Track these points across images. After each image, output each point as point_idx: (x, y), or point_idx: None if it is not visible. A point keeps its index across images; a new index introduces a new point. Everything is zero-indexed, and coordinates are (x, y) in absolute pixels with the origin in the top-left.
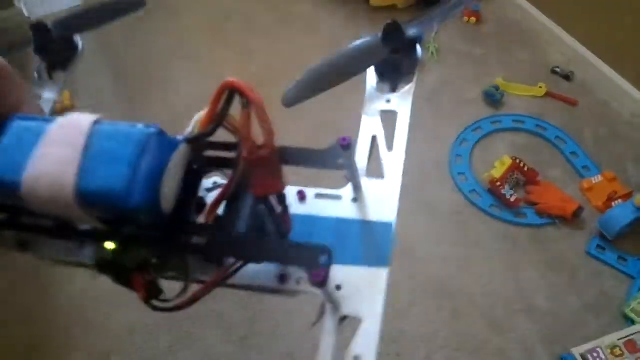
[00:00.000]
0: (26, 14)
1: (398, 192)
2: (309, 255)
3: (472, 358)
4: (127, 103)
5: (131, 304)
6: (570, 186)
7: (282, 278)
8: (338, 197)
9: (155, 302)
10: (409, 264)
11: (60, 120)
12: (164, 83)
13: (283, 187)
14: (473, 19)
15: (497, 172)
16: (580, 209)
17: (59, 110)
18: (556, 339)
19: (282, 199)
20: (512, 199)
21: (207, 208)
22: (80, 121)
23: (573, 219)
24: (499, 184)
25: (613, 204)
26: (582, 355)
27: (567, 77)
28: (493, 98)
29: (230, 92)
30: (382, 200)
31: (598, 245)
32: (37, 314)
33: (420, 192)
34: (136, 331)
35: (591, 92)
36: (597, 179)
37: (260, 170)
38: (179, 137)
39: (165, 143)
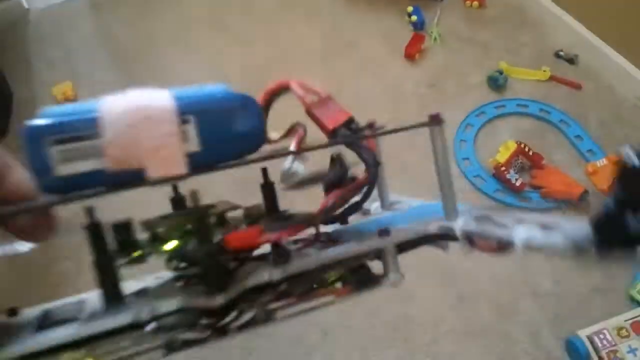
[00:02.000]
0: (26, 5)
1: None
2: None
3: (479, 342)
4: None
5: None
6: (575, 170)
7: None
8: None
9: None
10: (414, 250)
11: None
12: (165, 71)
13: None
14: (476, 3)
15: (502, 156)
16: (585, 193)
17: (62, 100)
18: (562, 322)
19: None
20: (517, 184)
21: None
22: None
23: (578, 203)
24: (503, 168)
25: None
26: (588, 337)
27: (571, 61)
28: (497, 82)
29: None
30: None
31: None
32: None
33: (424, 178)
34: None
35: (595, 76)
36: (602, 162)
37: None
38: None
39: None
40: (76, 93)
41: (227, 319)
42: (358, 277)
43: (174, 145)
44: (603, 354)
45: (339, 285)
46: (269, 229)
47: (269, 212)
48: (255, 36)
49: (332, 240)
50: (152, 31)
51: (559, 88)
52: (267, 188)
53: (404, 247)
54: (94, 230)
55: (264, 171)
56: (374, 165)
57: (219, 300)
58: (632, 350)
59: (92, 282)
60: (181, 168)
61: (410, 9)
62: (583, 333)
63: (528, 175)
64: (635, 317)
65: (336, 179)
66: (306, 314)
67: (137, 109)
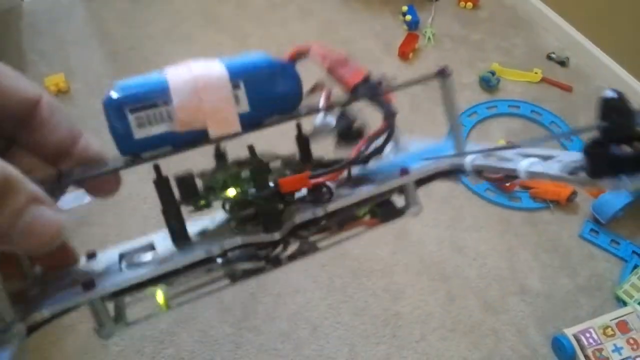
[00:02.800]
0: None
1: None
2: None
3: (466, 339)
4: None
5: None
6: None
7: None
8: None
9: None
10: (404, 247)
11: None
12: (157, 64)
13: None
14: (469, 4)
15: None
16: (574, 194)
17: (54, 92)
18: (549, 320)
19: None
20: (507, 184)
21: None
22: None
23: (567, 203)
24: None
25: None
26: (574, 336)
27: (563, 63)
28: (489, 83)
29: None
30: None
31: (591, 229)
32: None
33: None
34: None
35: (586, 78)
36: None
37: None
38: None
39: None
40: (69, 85)
41: (279, 250)
42: (384, 210)
43: (230, 108)
44: (589, 352)
45: (367, 217)
46: (314, 174)
47: (304, 160)
48: (249, 32)
49: (360, 180)
50: (145, 23)
51: (550, 90)
52: (302, 140)
53: (421, 182)
54: (162, 183)
55: (299, 126)
56: (392, 115)
57: (276, 236)
58: (618, 349)
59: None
60: (237, 127)
61: (404, 8)
62: (569, 331)
63: None
64: (621, 316)
65: (346, 129)
66: (342, 243)
67: (197, 78)
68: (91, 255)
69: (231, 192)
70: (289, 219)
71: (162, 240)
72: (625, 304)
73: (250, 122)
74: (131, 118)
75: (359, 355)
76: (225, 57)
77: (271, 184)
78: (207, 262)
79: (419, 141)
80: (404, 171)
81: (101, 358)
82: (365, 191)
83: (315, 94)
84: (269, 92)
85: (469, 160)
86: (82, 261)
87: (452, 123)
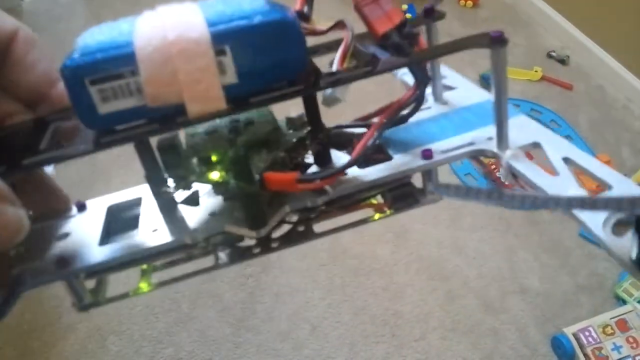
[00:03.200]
0: None
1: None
2: None
3: (466, 338)
4: None
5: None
6: None
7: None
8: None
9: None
10: (403, 247)
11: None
12: None
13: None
14: (469, 2)
15: None
16: None
17: None
18: (549, 319)
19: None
20: (507, 182)
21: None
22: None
23: None
24: (494, 167)
25: None
26: (574, 335)
27: (563, 62)
28: (489, 82)
29: None
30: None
31: None
32: (34, 299)
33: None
34: (135, 312)
35: (587, 77)
36: None
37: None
38: None
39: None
40: None
41: (270, 236)
42: (399, 193)
43: (212, 79)
44: (588, 351)
45: (377, 199)
46: (303, 178)
47: (312, 125)
48: None
49: (375, 150)
50: None
51: (551, 88)
52: (309, 102)
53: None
54: (143, 148)
55: (308, 99)
56: (423, 82)
57: (260, 233)
58: (617, 348)
59: None
60: (220, 103)
61: (404, 7)
62: (569, 330)
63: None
64: (621, 315)
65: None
66: (345, 230)
67: (171, 41)
68: (81, 207)
69: (214, 175)
70: (280, 206)
71: (151, 198)
72: (624, 302)
73: (239, 96)
74: (93, 90)
75: (359, 354)
76: (212, 3)
77: (256, 177)
78: (186, 246)
79: (461, 89)
80: (427, 154)
81: (100, 357)
82: (376, 176)
83: (336, 30)
84: (264, 58)
85: (508, 156)
86: (73, 211)
87: (499, 104)
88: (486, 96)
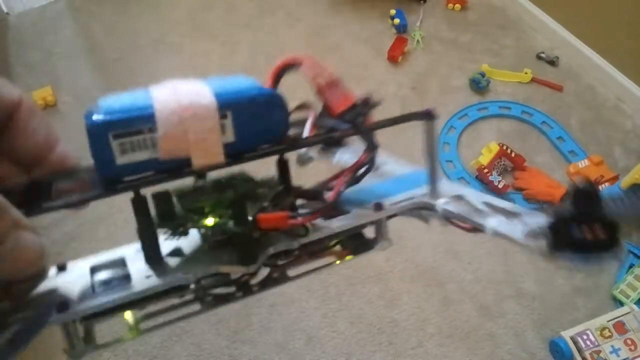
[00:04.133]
0: (5, 9)
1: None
2: None
3: (463, 344)
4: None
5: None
6: (557, 171)
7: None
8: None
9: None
10: (398, 253)
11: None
12: (145, 76)
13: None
14: (458, 5)
15: (484, 158)
16: (567, 194)
17: (42, 106)
18: (546, 323)
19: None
20: (500, 185)
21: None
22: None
23: (560, 204)
24: (486, 170)
25: (600, 187)
26: (572, 338)
27: (553, 63)
28: (479, 85)
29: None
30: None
31: None
32: None
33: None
34: None
35: (577, 77)
36: (584, 163)
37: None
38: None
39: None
40: (56, 98)
41: (249, 278)
42: (354, 242)
43: (215, 138)
44: (587, 354)
45: (338, 248)
46: (293, 215)
47: (283, 185)
48: (238, 39)
49: (335, 209)
50: (132, 33)
51: (541, 90)
52: (283, 164)
53: (392, 216)
54: (139, 202)
55: (281, 158)
56: (373, 149)
57: (251, 268)
58: (615, 351)
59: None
60: (220, 158)
61: (392, 12)
62: (567, 334)
63: (510, 177)
64: (618, 317)
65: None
66: (314, 274)
67: (185, 107)
68: (61, 267)
69: (209, 221)
70: (263, 249)
71: (134, 256)
72: (621, 304)
73: (235, 152)
74: (114, 144)
75: None
76: (213, 80)
77: (250, 218)
78: (179, 288)
79: (397, 165)
80: (378, 207)
81: None
82: (340, 224)
83: (301, 111)
84: (257, 122)
85: (441, 204)
86: (52, 272)
87: (430, 164)
88: (414, 168)
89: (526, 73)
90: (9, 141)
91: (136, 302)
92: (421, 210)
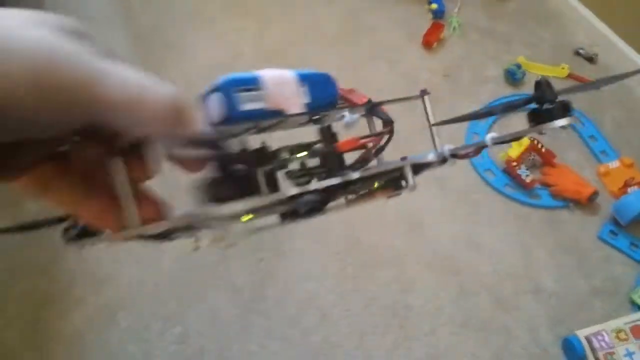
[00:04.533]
0: None
1: None
2: None
3: (476, 335)
4: (142, 68)
5: (142, 263)
6: (586, 170)
7: None
8: None
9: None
10: (417, 240)
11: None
12: (179, 49)
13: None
14: None
15: (514, 152)
16: (595, 194)
17: None
18: (561, 321)
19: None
20: (528, 180)
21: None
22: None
23: (587, 203)
24: (515, 164)
25: (629, 190)
26: (586, 337)
27: (591, 60)
28: (514, 77)
29: None
30: None
31: (611, 231)
32: (47, 270)
33: (433, 168)
34: (145, 290)
35: None
36: (615, 164)
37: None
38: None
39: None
40: None
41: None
42: (390, 185)
43: (297, 98)
44: (600, 355)
45: (380, 187)
46: (362, 137)
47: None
48: (273, 17)
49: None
50: (169, 5)
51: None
52: (329, 132)
53: (415, 169)
54: (261, 150)
55: (327, 127)
56: (391, 122)
57: (352, 175)
58: (630, 354)
59: None
60: (301, 109)
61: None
62: (581, 333)
63: (539, 172)
64: (635, 320)
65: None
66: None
67: (280, 78)
68: None
69: (301, 154)
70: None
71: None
72: None
73: (309, 109)
74: (239, 96)
75: (367, 344)
76: (295, 69)
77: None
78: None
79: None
80: (403, 158)
81: (109, 331)
82: (384, 166)
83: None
84: (321, 91)
85: (446, 150)
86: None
87: (431, 130)
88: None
89: (563, 68)
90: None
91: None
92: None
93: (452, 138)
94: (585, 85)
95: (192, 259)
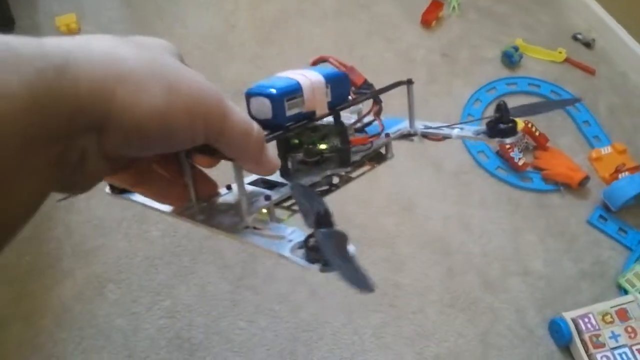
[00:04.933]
0: None
1: None
2: None
3: (463, 314)
4: (133, 31)
5: (130, 235)
6: (579, 155)
7: None
8: None
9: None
10: (409, 220)
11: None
12: (172, 15)
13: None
14: None
15: None
16: (586, 179)
17: (65, 32)
18: (549, 303)
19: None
20: (520, 163)
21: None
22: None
23: (578, 188)
24: (508, 146)
25: (620, 175)
26: (573, 320)
27: (588, 45)
28: (511, 59)
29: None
30: None
31: (600, 216)
32: (32, 242)
33: (426, 149)
34: (135, 262)
35: (611, 62)
36: (607, 149)
37: None
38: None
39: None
40: (79, 26)
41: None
42: (375, 158)
43: (324, 99)
44: (586, 337)
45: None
46: (370, 136)
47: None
48: None
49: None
50: None
51: (573, 71)
52: (338, 117)
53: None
54: (284, 139)
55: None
56: (379, 101)
57: (348, 168)
58: (615, 337)
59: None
60: (326, 110)
61: None
62: (568, 315)
63: (532, 156)
64: (622, 304)
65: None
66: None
67: (314, 83)
68: (229, 187)
69: (323, 146)
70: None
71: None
72: (626, 292)
73: (331, 107)
74: (286, 104)
75: (355, 321)
76: (315, 68)
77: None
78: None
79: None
80: (387, 135)
81: (97, 304)
82: (376, 144)
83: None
84: (340, 89)
85: (420, 128)
86: (223, 191)
87: (410, 115)
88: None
89: (560, 52)
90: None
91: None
92: (408, 136)
93: (447, 117)
94: (529, 108)
95: (181, 233)
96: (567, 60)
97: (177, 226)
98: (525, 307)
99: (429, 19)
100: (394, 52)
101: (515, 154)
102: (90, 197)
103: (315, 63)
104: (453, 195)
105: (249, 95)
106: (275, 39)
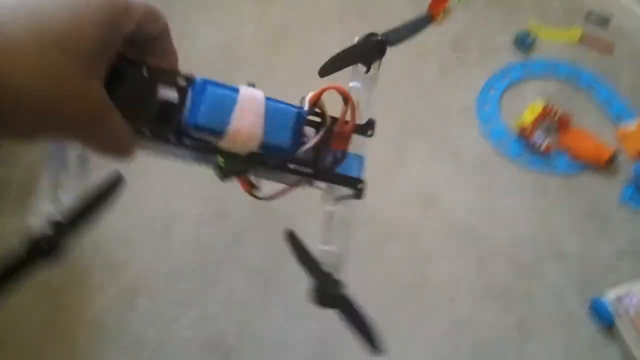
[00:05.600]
0: None
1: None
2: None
3: (498, 303)
4: None
5: (152, 247)
6: (604, 134)
7: None
8: None
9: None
10: (432, 212)
11: (243, 92)
12: (180, 32)
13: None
14: None
15: (528, 118)
16: (614, 156)
17: None
18: (587, 284)
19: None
20: (543, 146)
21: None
22: (257, 96)
23: (606, 166)
24: (529, 131)
25: None
26: (615, 299)
27: (604, 22)
28: (524, 43)
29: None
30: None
31: (633, 193)
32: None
33: (445, 140)
34: (161, 273)
35: (628, 39)
36: (632, 126)
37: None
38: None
39: (301, 117)
40: None
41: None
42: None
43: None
44: (632, 313)
45: None
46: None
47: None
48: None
49: None
50: None
51: (589, 51)
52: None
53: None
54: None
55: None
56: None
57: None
58: None
59: None
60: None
61: None
62: (609, 295)
63: (555, 138)
64: None
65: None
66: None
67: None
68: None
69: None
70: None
71: None
72: None
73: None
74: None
75: (387, 319)
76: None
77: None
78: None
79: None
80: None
81: (127, 318)
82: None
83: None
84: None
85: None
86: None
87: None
88: None
89: (575, 32)
90: (148, 59)
91: None
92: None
93: (464, 108)
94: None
95: (202, 241)
96: (582, 39)
97: (200, 237)
98: (563, 290)
99: (437, 9)
100: (402, 47)
101: (537, 138)
102: (114, 213)
103: (323, 91)
104: (476, 185)
105: (208, 83)
106: (282, 50)
